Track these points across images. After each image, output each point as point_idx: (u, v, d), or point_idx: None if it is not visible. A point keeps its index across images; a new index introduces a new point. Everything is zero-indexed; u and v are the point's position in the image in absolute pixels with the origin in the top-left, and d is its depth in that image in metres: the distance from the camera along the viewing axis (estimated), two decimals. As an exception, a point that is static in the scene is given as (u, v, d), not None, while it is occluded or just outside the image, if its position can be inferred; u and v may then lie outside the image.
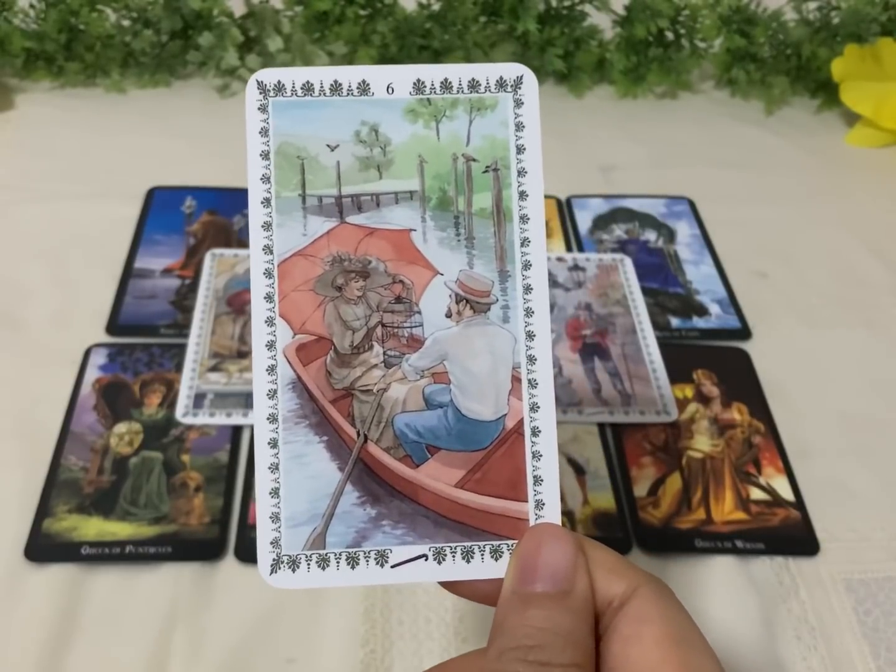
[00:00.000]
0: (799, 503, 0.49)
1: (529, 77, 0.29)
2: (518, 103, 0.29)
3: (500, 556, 0.28)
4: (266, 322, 0.28)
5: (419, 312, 0.29)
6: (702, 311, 0.61)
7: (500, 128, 0.29)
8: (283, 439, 0.28)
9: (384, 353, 0.29)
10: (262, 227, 0.28)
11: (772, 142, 0.79)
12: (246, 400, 0.52)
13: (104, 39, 0.77)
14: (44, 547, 0.44)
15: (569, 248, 0.66)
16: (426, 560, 0.28)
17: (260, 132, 0.29)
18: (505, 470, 0.29)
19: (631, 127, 0.80)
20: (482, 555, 0.28)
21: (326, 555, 0.28)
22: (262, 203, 0.29)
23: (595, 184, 0.72)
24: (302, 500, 0.28)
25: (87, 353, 0.54)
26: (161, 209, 0.66)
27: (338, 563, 0.28)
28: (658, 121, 0.81)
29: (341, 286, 0.29)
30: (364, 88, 0.29)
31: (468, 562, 0.28)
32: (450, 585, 0.29)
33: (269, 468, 0.28)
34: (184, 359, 0.54)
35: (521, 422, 0.29)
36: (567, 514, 0.48)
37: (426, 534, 0.28)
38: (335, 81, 0.29)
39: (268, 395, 0.28)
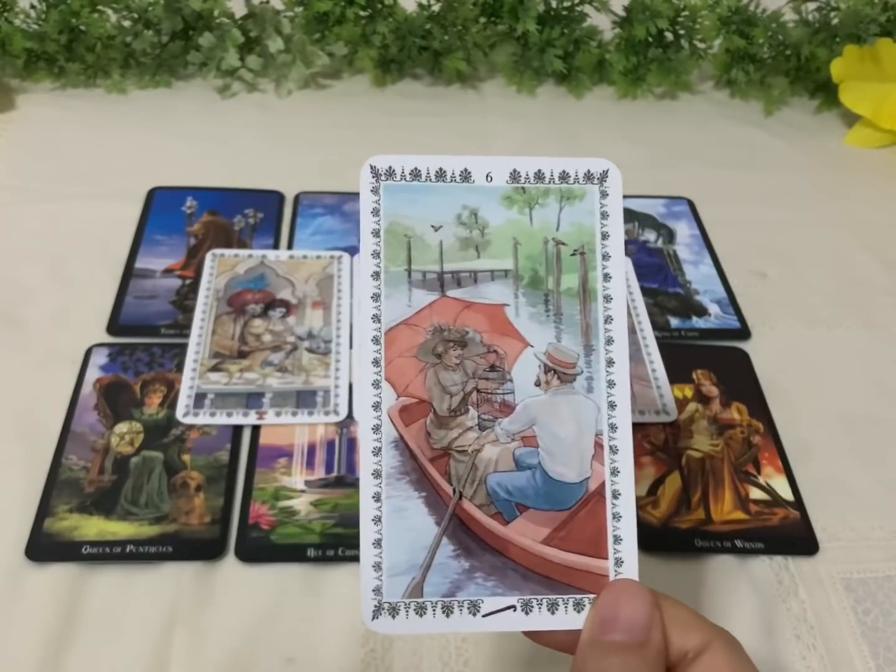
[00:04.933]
0: (798, 503, 0.49)
1: (614, 171, 0.32)
2: (604, 194, 0.32)
3: (582, 609, 0.30)
4: (373, 385, 0.31)
5: (511, 380, 0.32)
6: (701, 311, 0.61)
7: (587, 216, 0.32)
8: (385, 494, 0.30)
9: (479, 417, 0.32)
10: (372, 297, 0.31)
11: (771, 142, 0.79)
12: (246, 400, 0.52)
13: (105, 40, 0.77)
14: (44, 546, 0.45)
15: (569, 249, 0.66)
16: (514, 611, 0.30)
17: (372, 212, 0.31)
18: (587, 529, 0.31)
19: (631, 127, 0.80)
20: (566, 607, 0.30)
21: (424, 603, 0.30)
22: (371, 276, 0.31)
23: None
24: (402, 550, 0.30)
25: (87, 353, 0.54)
26: (162, 209, 0.66)
27: (434, 611, 0.30)
28: (658, 121, 0.81)
29: (441, 354, 0.32)
30: (466, 176, 0.32)
31: (553, 613, 0.30)
32: (532, 634, 0.31)
33: (373, 520, 0.30)
34: (184, 359, 0.54)
35: (602, 485, 0.31)
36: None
37: (515, 586, 0.30)
38: (440, 169, 0.32)
39: (373, 452, 0.31)
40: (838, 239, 0.69)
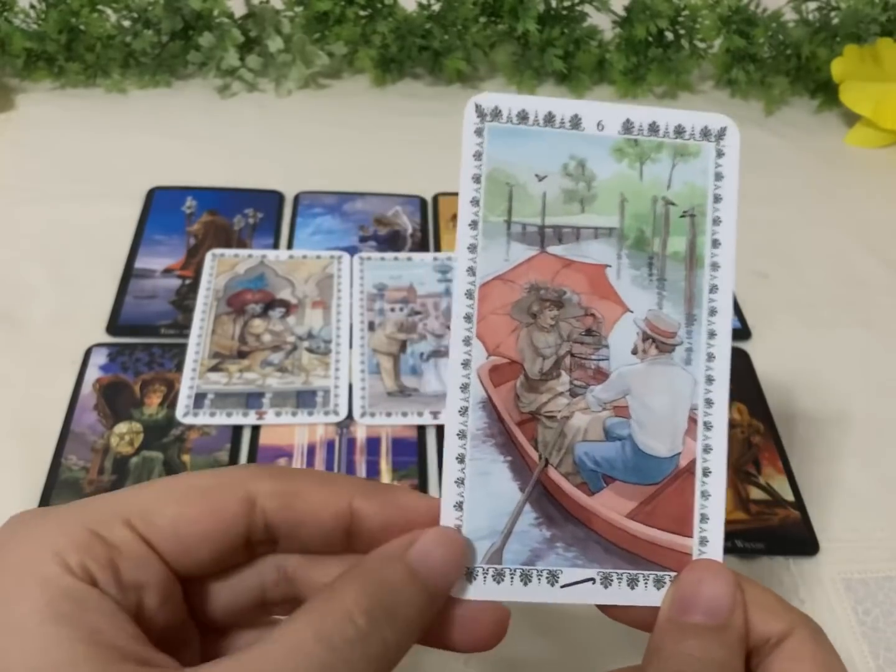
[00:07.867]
0: (798, 503, 0.49)
1: (733, 129, 0.30)
2: (720, 154, 0.30)
3: (662, 586, 0.29)
4: (464, 341, 0.29)
5: (607, 346, 0.30)
6: (702, 311, 0.61)
7: (700, 176, 0.30)
8: (470, 455, 0.29)
9: (570, 383, 0.30)
10: (469, 248, 0.29)
11: (771, 142, 0.79)
12: (246, 400, 0.52)
13: (105, 40, 0.77)
14: (44, 546, 0.44)
15: (569, 249, 0.66)
16: (593, 583, 0.29)
17: (474, 155, 0.30)
18: (674, 505, 0.30)
19: (631, 127, 0.80)
20: (646, 583, 0.29)
21: (502, 570, 0.29)
22: (469, 225, 0.29)
23: (595, 184, 0.72)
24: (483, 515, 0.29)
25: (87, 353, 0.54)
26: (161, 209, 0.66)
27: (512, 578, 0.29)
28: (658, 121, 0.81)
29: (536, 313, 0.30)
30: (576, 123, 0.30)
31: (632, 588, 0.29)
32: (607, 609, 0.30)
33: (456, 482, 0.29)
34: (184, 359, 0.54)
35: (693, 461, 0.30)
36: (567, 513, 0.48)
37: (596, 559, 0.29)
38: (549, 113, 0.30)
39: (459, 411, 0.29)
40: (838, 239, 0.69)
